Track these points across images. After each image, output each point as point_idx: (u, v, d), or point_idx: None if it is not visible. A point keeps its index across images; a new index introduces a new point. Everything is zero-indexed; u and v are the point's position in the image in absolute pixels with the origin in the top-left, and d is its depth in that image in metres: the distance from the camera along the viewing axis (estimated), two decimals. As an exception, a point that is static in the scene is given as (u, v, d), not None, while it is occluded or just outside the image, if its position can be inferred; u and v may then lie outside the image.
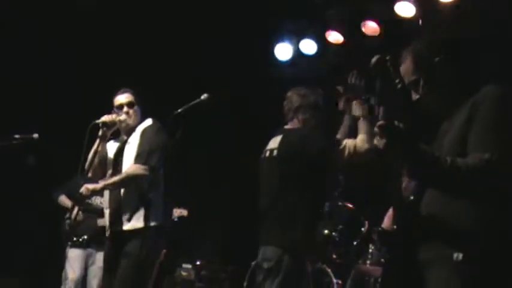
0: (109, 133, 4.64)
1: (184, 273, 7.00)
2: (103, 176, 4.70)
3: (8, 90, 6.80)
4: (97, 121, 4.54)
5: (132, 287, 4.35)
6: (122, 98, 4.69)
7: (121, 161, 4.60)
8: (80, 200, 4.70)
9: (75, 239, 6.00)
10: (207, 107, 4.15)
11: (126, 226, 4.41)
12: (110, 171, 4.66)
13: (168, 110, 4.22)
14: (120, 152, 4.64)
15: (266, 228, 4.14)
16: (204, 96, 4.20)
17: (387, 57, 2.48)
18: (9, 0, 6.58)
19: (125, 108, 4.65)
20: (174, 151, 4.33)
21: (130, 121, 4.65)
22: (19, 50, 6.92)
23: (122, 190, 4.49)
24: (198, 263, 7.03)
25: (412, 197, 2.68)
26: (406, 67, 2.72)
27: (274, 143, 4.25)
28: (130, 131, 4.67)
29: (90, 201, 6.14)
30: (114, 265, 4.44)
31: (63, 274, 5.95)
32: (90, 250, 6.07)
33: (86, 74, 7.14)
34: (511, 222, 2.53)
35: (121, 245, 4.43)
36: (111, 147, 4.77)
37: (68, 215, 5.97)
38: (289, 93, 4.34)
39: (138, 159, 4.47)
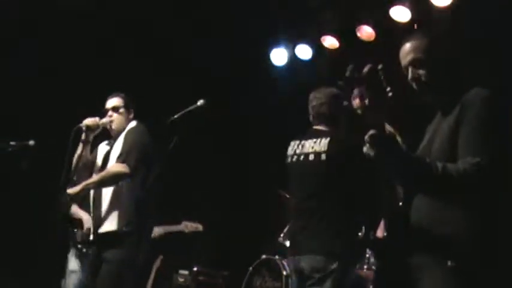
0: (92, 136, 4.63)
1: (181, 279, 6.98)
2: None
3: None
4: (80, 124, 4.56)
5: None
6: (109, 103, 4.71)
7: (106, 166, 4.59)
8: (64, 204, 4.68)
9: (84, 250, 5.94)
10: (203, 112, 4.15)
11: (103, 229, 4.41)
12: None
13: (164, 115, 4.22)
14: (106, 158, 4.64)
15: (309, 236, 4.06)
16: (200, 102, 4.20)
17: (379, 66, 2.50)
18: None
19: (110, 113, 4.67)
20: (169, 157, 4.31)
21: (113, 125, 4.66)
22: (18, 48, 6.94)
23: (103, 195, 4.47)
24: (195, 269, 7.01)
25: (400, 203, 2.67)
26: (417, 44, 2.74)
27: (317, 145, 4.16)
28: (117, 135, 4.67)
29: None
30: (97, 269, 4.43)
31: (62, 282, 5.89)
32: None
33: (83, 78, 7.14)
34: (501, 227, 2.54)
35: (103, 249, 4.42)
36: (102, 150, 4.76)
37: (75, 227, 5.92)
38: (314, 96, 4.30)
39: (118, 158, 4.47)
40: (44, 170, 6.29)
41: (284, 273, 5.71)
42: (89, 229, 4.77)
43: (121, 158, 4.45)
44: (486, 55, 5.51)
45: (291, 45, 7.34)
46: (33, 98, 6.96)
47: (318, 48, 7.16)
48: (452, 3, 5.94)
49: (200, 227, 6.38)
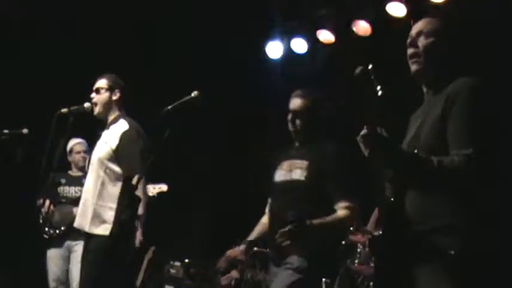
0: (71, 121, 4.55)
1: (172, 271, 6.98)
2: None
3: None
4: (62, 110, 4.51)
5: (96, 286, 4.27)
6: (96, 83, 4.61)
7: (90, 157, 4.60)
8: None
9: (51, 231, 5.93)
10: (198, 104, 4.13)
11: (92, 229, 4.36)
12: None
13: (158, 107, 4.20)
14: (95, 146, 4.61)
15: None
16: (194, 94, 4.17)
17: (370, 67, 2.52)
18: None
19: (93, 94, 4.59)
20: (162, 149, 4.29)
21: (95, 108, 4.57)
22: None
23: (95, 191, 4.42)
24: (186, 260, 7.01)
25: (392, 199, 2.68)
26: (427, 23, 2.78)
27: None
28: (104, 120, 4.59)
29: (63, 193, 6.10)
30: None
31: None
32: (68, 243, 5.99)
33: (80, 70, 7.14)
34: (497, 218, 2.56)
35: (88, 241, 4.40)
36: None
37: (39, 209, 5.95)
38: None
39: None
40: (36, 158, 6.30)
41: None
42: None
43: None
44: (481, 52, 5.52)
45: (287, 39, 7.34)
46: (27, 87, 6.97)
47: (313, 42, 7.15)
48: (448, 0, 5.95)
49: (164, 188, 5.99)
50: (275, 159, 4.02)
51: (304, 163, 3.81)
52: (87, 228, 4.38)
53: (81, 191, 5.60)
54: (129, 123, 4.56)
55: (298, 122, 3.88)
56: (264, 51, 7.46)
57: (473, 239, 2.48)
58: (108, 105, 4.58)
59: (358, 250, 5.51)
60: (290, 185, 3.84)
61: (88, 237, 4.40)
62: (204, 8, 7.13)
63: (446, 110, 2.57)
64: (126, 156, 4.41)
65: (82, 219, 4.42)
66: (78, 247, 5.76)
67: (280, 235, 3.57)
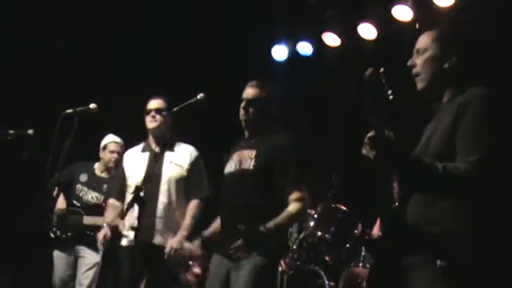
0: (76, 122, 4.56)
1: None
2: None
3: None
4: (68, 111, 4.54)
5: None
6: (153, 104, 4.80)
7: (159, 176, 4.66)
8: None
9: (58, 233, 5.90)
10: (203, 106, 4.14)
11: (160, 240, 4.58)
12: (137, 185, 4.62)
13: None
14: (157, 165, 4.66)
15: None
16: (200, 96, 4.19)
17: (380, 70, 2.51)
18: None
19: (152, 113, 4.74)
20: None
21: (155, 126, 4.74)
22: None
23: (173, 210, 4.67)
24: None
25: (396, 203, 2.68)
26: (423, 38, 2.79)
27: None
28: (161, 140, 4.75)
29: (80, 194, 6.04)
30: (140, 275, 4.52)
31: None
32: (76, 248, 5.93)
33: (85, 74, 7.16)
34: (493, 226, 2.55)
35: (150, 254, 4.48)
36: (136, 156, 4.82)
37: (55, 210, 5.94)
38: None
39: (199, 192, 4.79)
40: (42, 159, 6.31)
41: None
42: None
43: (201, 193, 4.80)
44: (488, 56, 5.51)
45: (292, 41, 7.34)
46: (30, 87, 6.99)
47: (319, 45, 7.15)
48: (454, 4, 5.93)
49: None
50: (227, 155, 4.04)
51: (253, 152, 3.82)
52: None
53: (97, 198, 5.73)
54: (195, 148, 4.90)
55: (251, 110, 3.91)
56: (270, 54, 7.47)
57: (474, 245, 2.48)
58: (165, 128, 4.81)
59: (362, 253, 5.51)
60: (239, 175, 3.84)
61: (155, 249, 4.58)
62: (210, 10, 7.14)
63: (457, 118, 2.58)
64: (200, 180, 4.82)
65: (166, 236, 4.63)
66: (85, 252, 5.87)
67: (234, 250, 3.62)
